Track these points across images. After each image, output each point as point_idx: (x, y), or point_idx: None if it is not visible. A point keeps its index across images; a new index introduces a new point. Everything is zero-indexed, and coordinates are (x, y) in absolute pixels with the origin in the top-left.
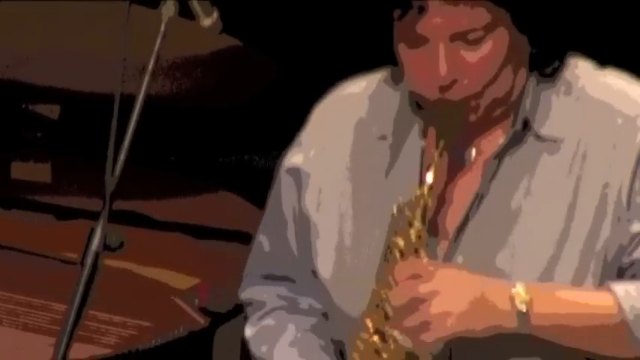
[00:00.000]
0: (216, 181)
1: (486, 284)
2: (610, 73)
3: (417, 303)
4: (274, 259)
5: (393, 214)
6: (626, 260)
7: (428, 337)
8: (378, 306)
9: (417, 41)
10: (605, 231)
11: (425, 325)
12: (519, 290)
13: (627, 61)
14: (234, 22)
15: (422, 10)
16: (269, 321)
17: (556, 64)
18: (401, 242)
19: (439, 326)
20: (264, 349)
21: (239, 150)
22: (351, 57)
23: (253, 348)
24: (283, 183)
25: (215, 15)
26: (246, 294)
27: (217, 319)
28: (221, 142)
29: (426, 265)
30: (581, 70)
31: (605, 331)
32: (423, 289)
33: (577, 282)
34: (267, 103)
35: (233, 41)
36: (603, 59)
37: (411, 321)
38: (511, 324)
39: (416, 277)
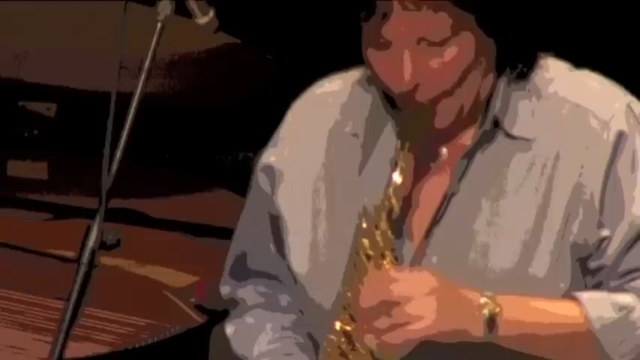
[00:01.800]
0: (212, 179)
1: (457, 291)
2: (584, 73)
3: (387, 305)
4: (253, 255)
5: (359, 215)
6: (593, 264)
7: (397, 338)
8: (345, 308)
9: (383, 44)
10: (575, 231)
11: (394, 327)
12: (487, 299)
13: (601, 60)
14: (230, 20)
15: (385, 15)
16: (248, 319)
17: (527, 65)
18: (367, 244)
19: (409, 329)
20: (241, 347)
21: (236, 148)
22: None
23: (234, 346)
24: (259, 181)
25: (211, 13)
26: (225, 290)
27: (214, 316)
28: (218, 139)
29: (398, 270)
30: (553, 70)
31: (573, 340)
32: (395, 292)
33: (548, 281)
34: (264, 101)
35: (230, 39)
36: (576, 59)
37: (381, 322)
38: (477, 332)
39: (388, 280)
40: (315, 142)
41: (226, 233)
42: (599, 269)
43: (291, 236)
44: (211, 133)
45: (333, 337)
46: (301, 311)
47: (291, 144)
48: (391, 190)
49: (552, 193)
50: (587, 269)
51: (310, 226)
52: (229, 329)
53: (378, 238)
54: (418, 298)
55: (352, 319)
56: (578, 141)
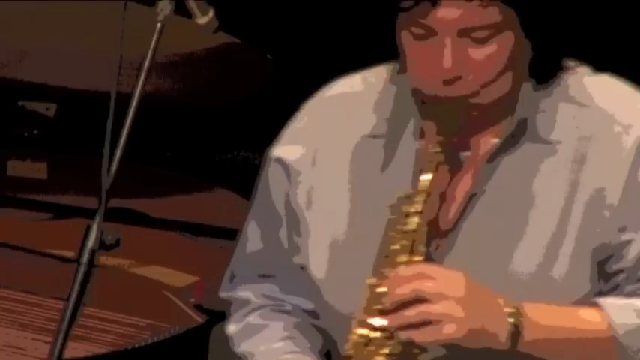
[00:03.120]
0: (212, 179)
1: (487, 296)
2: (606, 78)
3: (420, 299)
4: (262, 256)
5: (391, 207)
6: (613, 267)
7: (427, 336)
8: (373, 300)
9: (424, 33)
10: (596, 235)
11: (425, 324)
12: (513, 308)
13: (626, 66)
14: (230, 20)
15: (435, 2)
16: (254, 318)
17: (555, 69)
18: (399, 236)
19: (440, 330)
20: (245, 344)
21: (236, 148)
22: (347, 54)
23: (235, 343)
24: (272, 173)
25: (211, 13)
26: (228, 292)
27: (213, 316)
28: (218, 139)
29: (434, 267)
30: (579, 75)
31: (595, 347)
32: (430, 288)
33: (570, 283)
34: (264, 101)
35: (229, 39)
36: (602, 65)
37: (411, 313)
38: (503, 338)
39: (422, 275)
40: (334, 143)
41: (226, 233)
42: (617, 272)
43: (310, 239)
44: (211, 133)
45: (359, 327)
46: (309, 314)
47: (307, 144)
48: (424, 184)
49: (575, 197)
50: (605, 273)
51: (329, 228)
52: (231, 328)
53: (410, 231)
54: (452, 298)
55: (380, 312)
56: (601, 145)
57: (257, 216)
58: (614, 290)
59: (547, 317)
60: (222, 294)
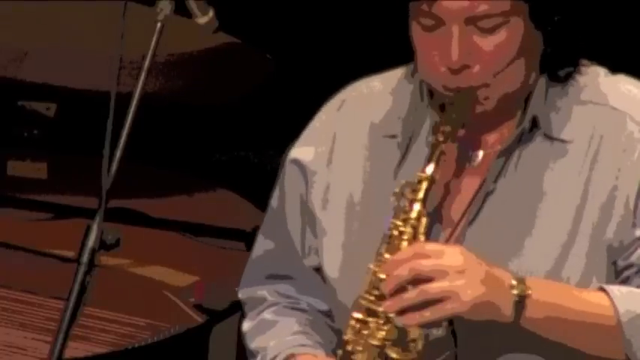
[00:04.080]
0: (212, 179)
1: (489, 269)
2: (621, 78)
3: (419, 279)
4: (277, 256)
5: (395, 194)
6: (622, 263)
7: (430, 316)
8: (373, 286)
9: (432, 23)
10: (611, 233)
11: (428, 304)
12: (517, 281)
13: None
14: (230, 20)
15: None
16: (268, 314)
17: (568, 68)
18: (400, 223)
19: (443, 307)
20: (259, 339)
21: (235, 147)
22: (348, 56)
23: (248, 340)
24: (289, 176)
25: (211, 13)
26: (245, 293)
27: (214, 316)
28: (217, 139)
29: (431, 244)
30: (592, 75)
31: (599, 330)
32: (427, 267)
33: (583, 282)
34: (264, 101)
35: (229, 39)
36: (616, 66)
37: (412, 295)
38: (507, 311)
39: (418, 256)
40: (350, 144)
41: (226, 233)
42: (627, 267)
43: (325, 238)
44: (211, 133)
45: (358, 313)
46: (323, 313)
47: (324, 145)
48: (428, 171)
49: (589, 195)
50: (616, 268)
51: (343, 227)
52: (247, 325)
53: (412, 217)
54: (451, 271)
55: (379, 297)
56: (615, 144)
57: (273, 217)
58: (623, 284)
59: (552, 294)
60: (240, 295)
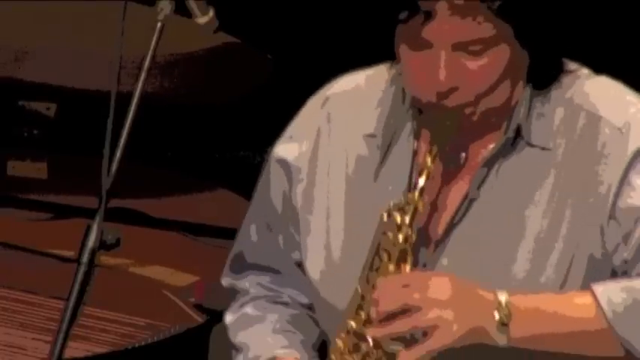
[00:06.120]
0: (212, 179)
1: (474, 293)
2: (601, 79)
3: (409, 310)
4: (260, 249)
5: (382, 217)
6: (616, 262)
7: (419, 351)
8: (360, 308)
9: (420, 45)
10: (591, 237)
11: (413, 341)
12: (501, 301)
13: (624, 67)
14: (230, 20)
15: (429, 16)
16: (250, 309)
17: (554, 75)
18: (388, 246)
19: (431, 341)
20: (241, 335)
21: (235, 147)
22: (346, 54)
23: (231, 334)
24: (273, 172)
25: (211, 13)
26: (227, 281)
27: (214, 316)
28: (218, 139)
29: (418, 274)
30: (572, 77)
31: (590, 334)
32: (416, 300)
33: (562, 286)
34: (264, 100)
35: (229, 39)
36: (599, 66)
37: (401, 327)
38: (493, 333)
39: (407, 286)
40: (332, 141)
41: (226, 233)
42: (622, 264)
43: (309, 237)
44: (211, 133)
45: (344, 335)
46: (305, 307)
47: (307, 141)
48: (417, 193)
49: (568, 201)
50: (612, 270)
51: (325, 226)
52: (228, 318)
53: (400, 240)
54: (439, 304)
55: (367, 321)
56: (593, 149)
57: (255, 210)
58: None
59: (536, 312)
60: (223, 282)
